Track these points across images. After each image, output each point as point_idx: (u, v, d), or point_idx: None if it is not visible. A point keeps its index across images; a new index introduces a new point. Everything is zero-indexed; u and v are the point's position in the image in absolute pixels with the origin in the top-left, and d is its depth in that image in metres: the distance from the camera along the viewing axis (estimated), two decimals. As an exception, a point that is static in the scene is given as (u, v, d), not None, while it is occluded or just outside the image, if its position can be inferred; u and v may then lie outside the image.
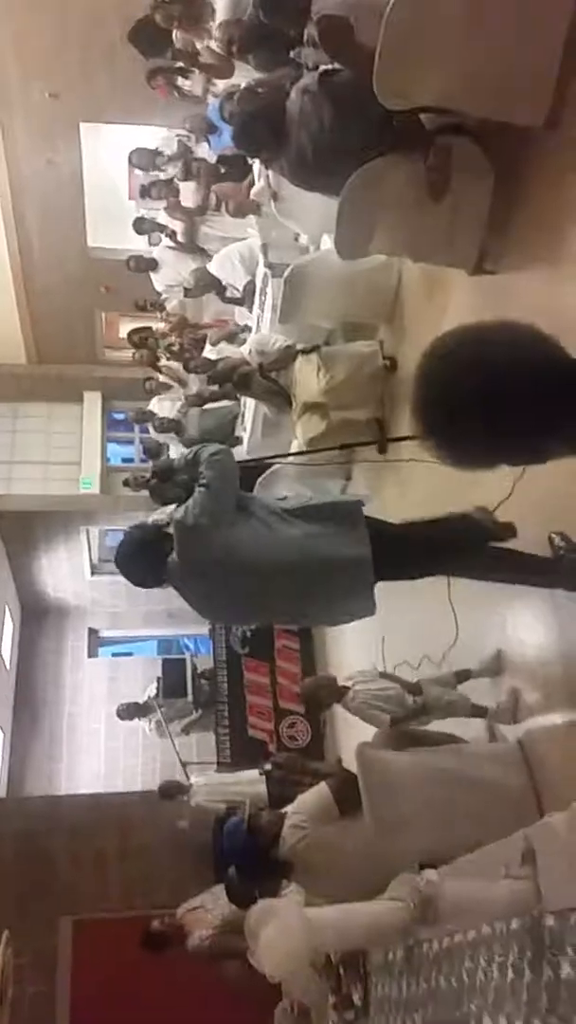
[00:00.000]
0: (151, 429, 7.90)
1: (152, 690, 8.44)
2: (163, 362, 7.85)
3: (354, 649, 5.77)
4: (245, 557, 2.88)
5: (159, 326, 7.83)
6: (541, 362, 1.19)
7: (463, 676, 3.66)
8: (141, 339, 7.83)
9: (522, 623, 3.33)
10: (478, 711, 3.54)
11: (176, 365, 7.57)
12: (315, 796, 3.47)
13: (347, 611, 3.09)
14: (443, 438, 1.25)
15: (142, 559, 3.07)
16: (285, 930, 2.65)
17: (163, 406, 7.75)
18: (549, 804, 3.06)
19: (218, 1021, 5.88)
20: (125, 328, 9.67)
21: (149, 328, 7.89)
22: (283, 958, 2.66)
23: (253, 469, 6.30)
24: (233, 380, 5.32)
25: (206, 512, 2.87)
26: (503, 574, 3.01)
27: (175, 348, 7.29)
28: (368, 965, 3.31)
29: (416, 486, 4.19)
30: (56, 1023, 6.14)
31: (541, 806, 3.10)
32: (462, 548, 2.93)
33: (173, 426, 7.04)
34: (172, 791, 6.22)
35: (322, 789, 3.47)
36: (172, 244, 7.54)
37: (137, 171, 9.03)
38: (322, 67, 3.46)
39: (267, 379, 5.14)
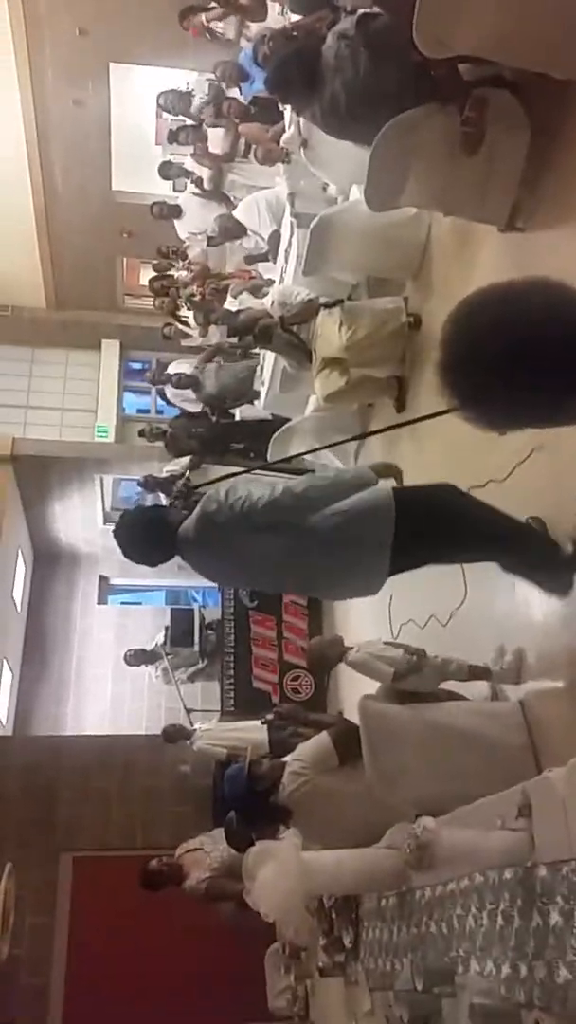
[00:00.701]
0: (166, 393, 7.91)
1: (160, 638, 8.55)
2: (184, 311, 7.80)
3: (361, 606, 5.80)
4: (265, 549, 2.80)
5: (181, 274, 7.77)
6: (570, 321, 1.18)
7: (479, 673, 3.59)
8: (163, 287, 7.78)
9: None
10: (478, 672, 3.56)
11: (196, 316, 7.52)
12: (316, 744, 3.53)
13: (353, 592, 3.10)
14: (469, 398, 1.24)
15: (149, 542, 2.94)
16: (282, 871, 2.72)
17: (183, 368, 7.71)
18: (547, 764, 3.10)
19: (212, 960, 6.05)
20: (146, 275, 9.59)
21: (171, 276, 7.83)
22: (279, 897, 2.73)
23: (270, 424, 6.30)
24: (254, 332, 5.29)
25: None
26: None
27: (196, 298, 7.24)
28: (360, 910, 3.40)
29: (433, 444, 4.17)
30: (54, 953, 6.33)
31: (539, 766, 3.14)
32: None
33: (190, 382, 7.02)
34: (176, 735, 6.33)
35: (323, 738, 3.53)
36: (198, 191, 7.44)
37: (165, 115, 8.89)
38: (360, 11, 3.38)
39: (288, 332, 5.10)
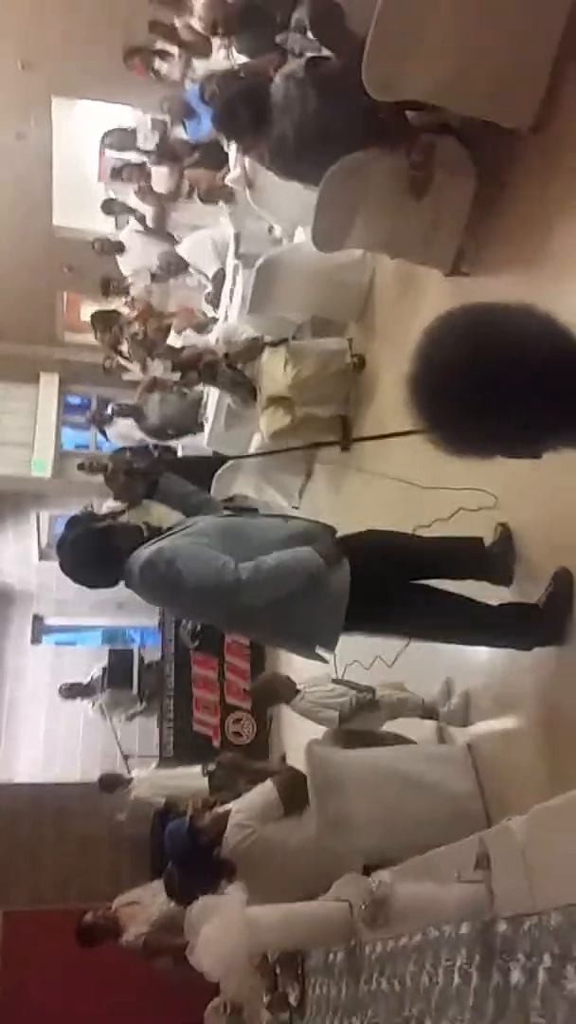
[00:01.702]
0: (108, 433, 7.80)
1: (96, 671, 8.32)
2: (125, 348, 7.72)
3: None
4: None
5: (124, 312, 7.70)
6: (549, 351, 1.15)
7: (429, 712, 3.56)
8: (105, 324, 7.68)
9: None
10: (429, 711, 3.53)
11: (137, 352, 7.45)
12: (260, 794, 3.43)
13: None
14: (439, 421, 1.20)
15: (95, 563, 2.78)
16: (226, 928, 2.60)
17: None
18: (496, 810, 3.07)
19: (150, 1016, 5.82)
20: (86, 310, 9.50)
21: (114, 311, 7.74)
22: (222, 956, 2.61)
23: (211, 461, 6.24)
24: (198, 369, 5.24)
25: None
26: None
27: (139, 337, 7.16)
28: (306, 965, 3.27)
29: (378, 484, 4.16)
30: (-17, 1015, 6.01)
31: (488, 812, 3.11)
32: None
33: (133, 411, 6.92)
34: (112, 783, 6.12)
35: (267, 787, 3.44)
36: (140, 228, 7.42)
37: (108, 152, 8.90)
38: (309, 54, 3.41)
39: (233, 369, 5.07)
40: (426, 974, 2.14)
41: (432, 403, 1.20)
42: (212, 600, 2.64)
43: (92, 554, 2.77)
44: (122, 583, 2.79)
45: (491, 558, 2.95)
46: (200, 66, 6.27)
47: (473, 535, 3.01)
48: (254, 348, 4.98)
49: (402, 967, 2.30)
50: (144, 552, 2.66)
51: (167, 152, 6.76)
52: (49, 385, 10.76)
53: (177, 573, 2.59)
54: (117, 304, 7.82)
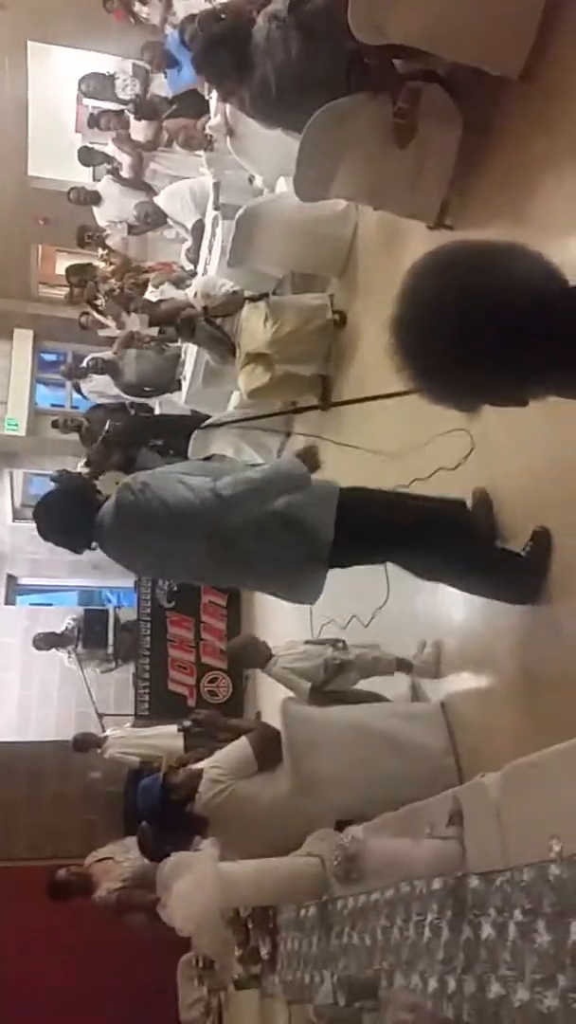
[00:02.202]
0: (83, 388, 7.65)
1: (70, 621, 8.26)
2: (102, 303, 7.56)
3: (281, 607, 5.72)
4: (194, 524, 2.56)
5: (100, 266, 7.53)
6: (539, 295, 1.10)
7: (404, 666, 3.54)
8: (80, 279, 7.50)
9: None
10: (403, 665, 3.53)
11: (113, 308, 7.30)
12: (235, 750, 3.42)
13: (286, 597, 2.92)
14: (423, 368, 1.15)
15: (71, 523, 2.71)
16: (199, 884, 2.60)
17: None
18: (468, 766, 3.09)
19: (123, 970, 5.88)
20: (62, 264, 9.28)
21: (89, 265, 7.56)
22: (195, 912, 2.61)
23: (189, 420, 6.15)
24: (176, 323, 5.13)
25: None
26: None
27: (115, 293, 7.01)
28: (278, 920, 3.30)
29: (358, 442, 4.11)
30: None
31: (460, 768, 3.12)
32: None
33: (109, 367, 6.79)
34: (86, 744, 6.11)
35: (242, 743, 3.43)
36: (117, 179, 7.23)
37: (86, 101, 8.64)
38: (293, -7, 3.28)
39: (211, 325, 4.96)
40: (397, 928, 2.16)
41: (417, 347, 1.15)
42: (191, 526, 2.50)
43: (68, 512, 2.72)
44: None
45: (473, 520, 2.90)
46: (180, 8, 6.07)
47: (456, 497, 2.95)
48: (234, 302, 4.88)
49: (373, 921, 2.31)
50: (109, 504, 2.60)
51: (146, 108, 6.56)
52: (23, 341, 10.53)
53: (152, 496, 2.50)
54: (93, 258, 7.65)
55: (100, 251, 7.38)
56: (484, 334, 1.08)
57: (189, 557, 2.66)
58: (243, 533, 2.55)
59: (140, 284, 6.92)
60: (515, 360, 1.10)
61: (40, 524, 2.77)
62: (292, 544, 2.60)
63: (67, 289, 7.75)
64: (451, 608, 3.32)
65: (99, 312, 7.41)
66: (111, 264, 7.24)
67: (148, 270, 7.13)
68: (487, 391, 1.18)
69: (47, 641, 8.16)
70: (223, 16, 3.69)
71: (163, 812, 3.26)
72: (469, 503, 2.95)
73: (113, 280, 7.16)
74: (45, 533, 2.76)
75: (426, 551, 2.66)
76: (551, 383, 1.17)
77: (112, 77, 7.24)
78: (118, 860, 4.81)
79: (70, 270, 7.61)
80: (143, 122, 6.82)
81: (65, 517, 2.73)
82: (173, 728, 5.77)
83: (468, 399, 1.21)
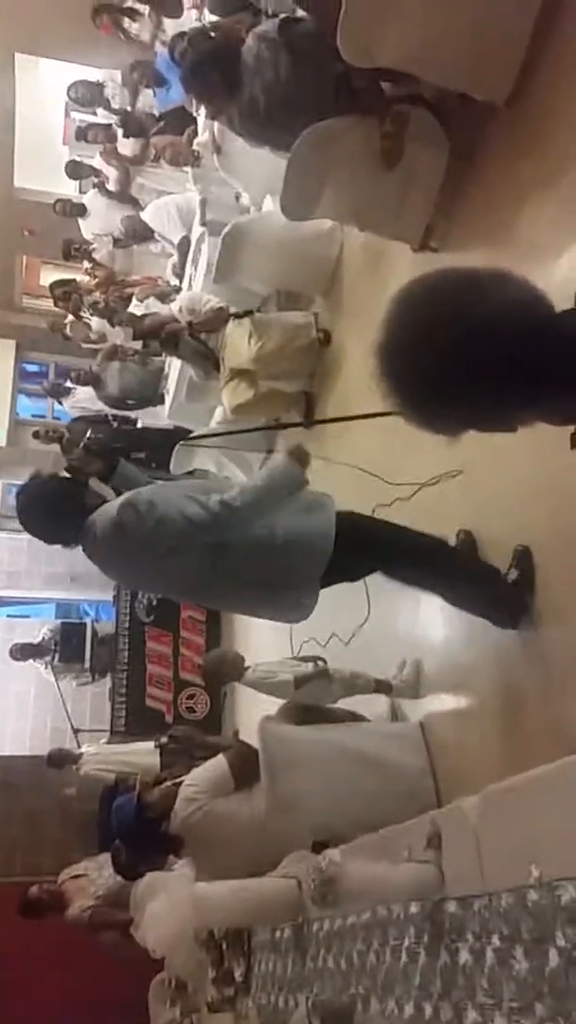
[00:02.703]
0: (65, 405, 7.61)
1: (46, 631, 8.18)
2: (86, 317, 7.56)
3: (260, 624, 5.70)
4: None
5: (84, 279, 7.52)
6: (525, 323, 1.10)
7: (383, 687, 3.54)
8: (64, 293, 7.48)
9: (433, 601, 3.31)
10: (382, 687, 3.52)
11: (99, 322, 7.29)
12: (212, 768, 3.40)
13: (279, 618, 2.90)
14: (408, 395, 1.15)
15: (58, 513, 2.59)
16: (173, 905, 2.58)
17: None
18: (446, 787, 3.08)
19: (94, 990, 5.78)
20: (46, 275, 9.27)
21: (73, 281, 7.55)
22: (168, 933, 2.59)
23: (172, 434, 6.14)
24: (160, 337, 5.13)
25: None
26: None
27: (100, 306, 7.00)
28: (252, 941, 3.27)
29: (340, 460, 4.12)
30: None
31: (438, 790, 3.11)
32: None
33: (92, 379, 6.77)
34: (61, 760, 6.04)
35: (219, 761, 3.41)
36: (103, 192, 7.23)
37: (74, 115, 8.65)
38: (283, 15, 3.32)
39: (196, 340, 4.97)
40: (373, 952, 2.14)
41: (402, 375, 1.15)
42: (201, 540, 2.45)
43: (55, 502, 2.61)
44: (73, 553, 2.64)
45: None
46: (171, 26, 6.11)
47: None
48: (219, 318, 4.88)
49: (349, 945, 2.29)
50: (118, 500, 2.53)
51: (133, 125, 6.57)
52: (5, 351, 10.51)
53: (162, 515, 2.43)
54: (78, 272, 7.64)
55: (85, 264, 7.38)
56: (471, 361, 1.09)
57: (184, 572, 2.58)
58: (250, 545, 2.51)
59: (124, 297, 6.92)
60: (502, 387, 1.10)
61: (27, 506, 2.66)
62: (292, 556, 2.55)
63: (51, 301, 7.73)
64: (431, 627, 3.33)
65: (83, 323, 7.39)
66: (95, 277, 7.23)
67: (133, 284, 7.13)
68: (474, 418, 1.18)
69: (24, 652, 8.07)
70: (213, 35, 3.71)
71: (138, 830, 3.23)
72: (453, 542, 2.93)
73: (97, 293, 7.15)
74: (28, 516, 2.65)
75: (418, 561, 2.66)
76: (538, 409, 1.18)
77: (101, 86, 7.26)
78: (92, 878, 4.74)
79: (54, 286, 7.58)
80: (131, 140, 6.84)
81: (56, 506, 2.61)
82: (149, 744, 5.72)
83: (454, 425, 1.21)
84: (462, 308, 1.12)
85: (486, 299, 1.13)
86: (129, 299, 6.86)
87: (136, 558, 2.56)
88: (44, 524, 2.65)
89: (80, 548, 2.63)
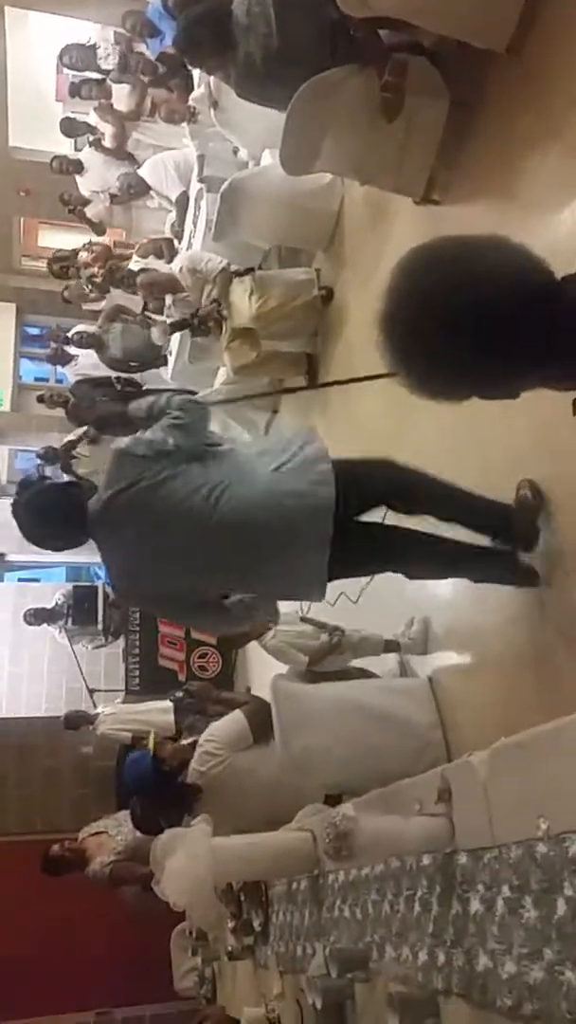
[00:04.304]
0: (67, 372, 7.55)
1: (60, 596, 8.27)
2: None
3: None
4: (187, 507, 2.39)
5: (83, 255, 7.38)
6: (524, 288, 1.10)
7: (391, 646, 3.56)
8: (62, 268, 7.37)
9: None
10: (391, 646, 3.56)
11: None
12: (230, 723, 3.46)
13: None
14: (412, 364, 1.15)
15: (58, 521, 2.52)
16: (192, 858, 2.64)
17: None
18: (456, 741, 3.13)
19: (116, 941, 5.95)
20: (44, 236, 9.16)
21: (70, 255, 7.41)
22: (188, 886, 2.66)
23: (179, 394, 6.10)
24: (191, 325, 5.04)
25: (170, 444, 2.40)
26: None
27: (97, 280, 6.90)
28: (270, 892, 3.35)
29: (344, 422, 4.11)
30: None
31: (448, 743, 3.17)
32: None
33: (94, 341, 6.72)
34: (78, 721, 6.14)
35: (237, 716, 3.47)
36: (99, 149, 7.10)
37: (67, 71, 8.45)
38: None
39: (202, 327, 4.90)
40: (387, 902, 2.20)
41: (404, 341, 1.15)
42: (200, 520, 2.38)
43: (57, 514, 2.53)
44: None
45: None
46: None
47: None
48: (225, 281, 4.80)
49: (364, 895, 2.36)
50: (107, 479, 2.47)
51: (130, 63, 6.40)
52: (6, 315, 10.43)
53: (164, 476, 2.38)
54: (76, 231, 7.52)
55: (83, 248, 7.21)
56: (473, 328, 1.08)
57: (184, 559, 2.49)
58: (242, 540, 2.42)
59: (124, 271, 6.78)
60: (505, 353, 1.10)
61: (27, 521, 2.56)
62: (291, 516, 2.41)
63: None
64: (438, 585, 3.34)
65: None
66: (92, 252, 7.11)
67: (128, 258, 7.00)
68: (477, 384, 1.19)
69: (38, 616, 8.16)
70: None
71: (153, 784, 3.30)
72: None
73: (95, 267, 7.05)
74: (29, 530, 2.57)
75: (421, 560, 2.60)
76: (541, 375, 1.18)
77: (94, 47, 7.08)
78: (111, 834, 4.86)
79: (52, 260, 7.48)
80: (126, 91, 6.69)
81: (59, 518, 2.53)
82: (165, 702, 5.81)
83: (458, 392, 1.21)
84: (463, 274, 1.12)
85: (486, 265, 1.12)
86: (127, 271, 6.72)
87: (137, 518, 2.44)
88: (46, 538, 2.63)
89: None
